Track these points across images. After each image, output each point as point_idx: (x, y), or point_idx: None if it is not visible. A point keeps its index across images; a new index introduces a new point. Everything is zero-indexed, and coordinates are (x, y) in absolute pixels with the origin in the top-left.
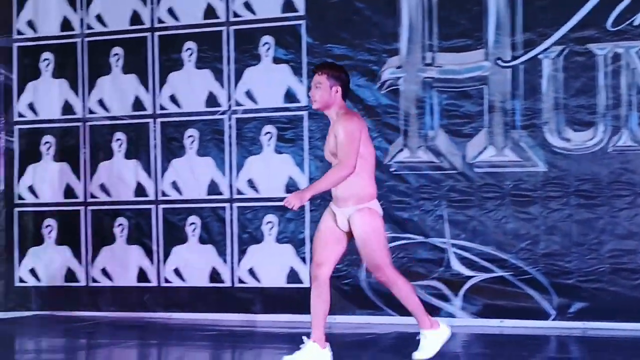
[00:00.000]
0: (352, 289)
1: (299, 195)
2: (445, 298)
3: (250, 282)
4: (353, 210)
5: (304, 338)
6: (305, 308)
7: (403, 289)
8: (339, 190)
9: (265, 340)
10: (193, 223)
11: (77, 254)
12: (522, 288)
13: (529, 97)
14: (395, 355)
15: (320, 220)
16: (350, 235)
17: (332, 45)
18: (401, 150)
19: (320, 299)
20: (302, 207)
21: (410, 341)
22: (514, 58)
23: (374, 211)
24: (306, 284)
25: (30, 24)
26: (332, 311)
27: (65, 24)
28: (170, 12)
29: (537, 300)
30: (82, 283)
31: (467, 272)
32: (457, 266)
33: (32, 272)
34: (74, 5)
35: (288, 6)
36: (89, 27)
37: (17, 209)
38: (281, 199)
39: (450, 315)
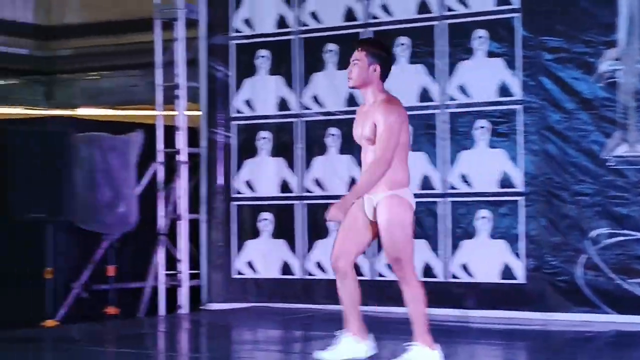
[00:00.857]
0: (568, 285)
1: (340, 206)
2: None
3: (464, 278)
4: (382, 196)
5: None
6: (520, 304)
7: (416, 293)
8: None
9: (479, 335)
10: None
11: (292, 247)
12: None
13: None
14: (614, 354)
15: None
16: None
17: (547, 38)
18: (619, 144)
19: (344, 290)
20: (515, 202)
21: (630, 339)
22: None
23: (404, 200)
24: (521, 280)
25: (247, 22)
26: (549, 308)
27: (281, 22)
28: (384, 7)
29: None
30: (297, 275)
31: None
32: None
33: (249, 264)
34: (289, 2)
35: None
36: (304, 24)
37: (234, 203)
38: (495, 194)
39: None
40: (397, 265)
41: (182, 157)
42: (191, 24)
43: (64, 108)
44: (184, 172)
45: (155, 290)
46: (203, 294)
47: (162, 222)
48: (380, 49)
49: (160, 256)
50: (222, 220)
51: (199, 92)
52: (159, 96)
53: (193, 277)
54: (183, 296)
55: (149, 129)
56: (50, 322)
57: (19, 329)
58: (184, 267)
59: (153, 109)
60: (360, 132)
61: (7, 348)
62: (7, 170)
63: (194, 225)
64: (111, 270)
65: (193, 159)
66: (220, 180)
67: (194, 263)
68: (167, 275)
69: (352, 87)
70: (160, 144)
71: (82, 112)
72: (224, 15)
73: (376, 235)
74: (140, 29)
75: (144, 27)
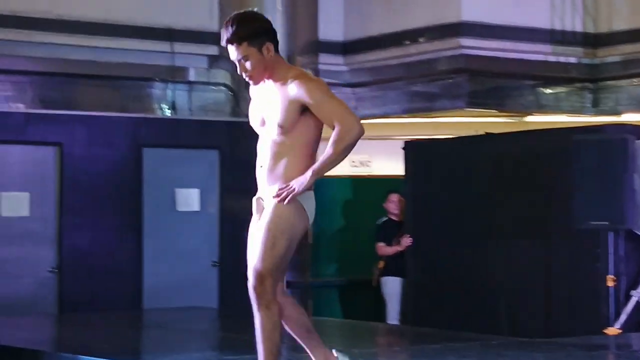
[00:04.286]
0: None
1: (306, 186)
2: None
3: None
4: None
5: None
6: None
7: (275, 322)
8: (265, 170)
9: None
10: None
11: None
12: None
13: None
14: None
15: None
16: None
17: None
18: None
19: (287, 320)
20: None
21: None
22: None
23: (300, 208)
24: None
25: None
26: None
27: None
28: None
29: None
30: None
31: None
32: None
33: None
34: None
35: None
36: None
37: None
38: None
39: None
40: (259, 282)
41: None
42: None
43: (608, 114)
44: None
45: None
46: None
47: None
48: (258, 22)
49: None
50: None
51: None
52: None
53: None
54: None
55: None
56: (611, 330)
57: (580, 336)
58: None
59: None
60: (262, 117)
61: (571, 354)
62: (569, 179)
63: None
64: None
65: None
66: None
67: None
68: None
69: (258, 84)
70: None
71: (627, 118)
72: None
73: None
74: None
75: None
